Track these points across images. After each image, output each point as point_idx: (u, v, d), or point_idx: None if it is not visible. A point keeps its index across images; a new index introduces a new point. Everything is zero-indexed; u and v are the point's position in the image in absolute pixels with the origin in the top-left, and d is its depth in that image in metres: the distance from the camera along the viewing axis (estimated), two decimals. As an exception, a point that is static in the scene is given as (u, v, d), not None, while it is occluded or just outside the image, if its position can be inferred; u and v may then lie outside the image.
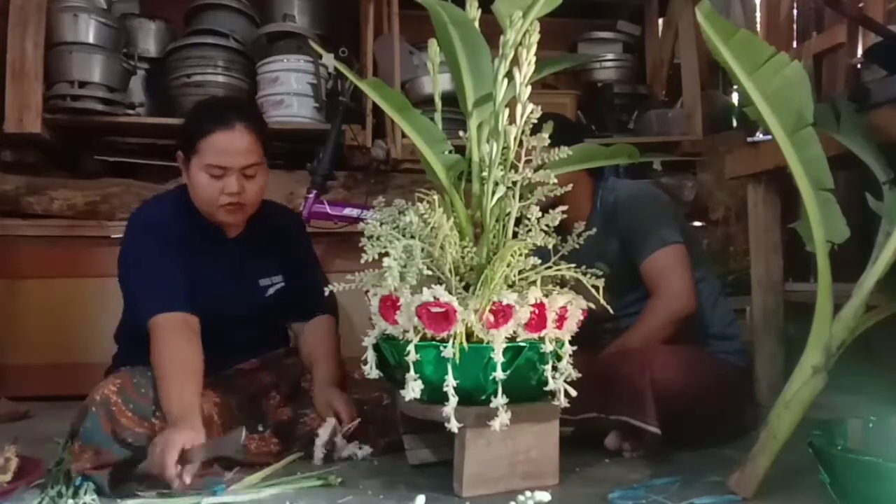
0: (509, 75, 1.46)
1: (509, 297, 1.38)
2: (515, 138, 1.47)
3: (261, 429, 1.75)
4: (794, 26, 3.36)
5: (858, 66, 2.30)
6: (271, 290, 1.93)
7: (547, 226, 1.48)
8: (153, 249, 1.75)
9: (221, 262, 1.86)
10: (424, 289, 1.37)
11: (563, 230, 1.53)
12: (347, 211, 2.74)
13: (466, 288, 1.44)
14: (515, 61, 1.46)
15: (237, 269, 1.88)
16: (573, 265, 1.50)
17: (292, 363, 1.96)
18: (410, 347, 1.37)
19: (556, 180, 1.47)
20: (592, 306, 1.49)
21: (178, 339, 1.65)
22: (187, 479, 1.43)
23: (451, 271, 1.44)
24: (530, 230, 1.46)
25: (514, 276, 1.45)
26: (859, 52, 2.80)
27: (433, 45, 1.56)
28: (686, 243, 1.93)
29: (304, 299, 1.95)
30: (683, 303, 1.87)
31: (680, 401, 1.69)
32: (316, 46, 1.98)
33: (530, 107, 1.47)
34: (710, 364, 1.87)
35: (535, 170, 1.48)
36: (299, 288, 1.96)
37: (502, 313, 1.38)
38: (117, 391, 1.58)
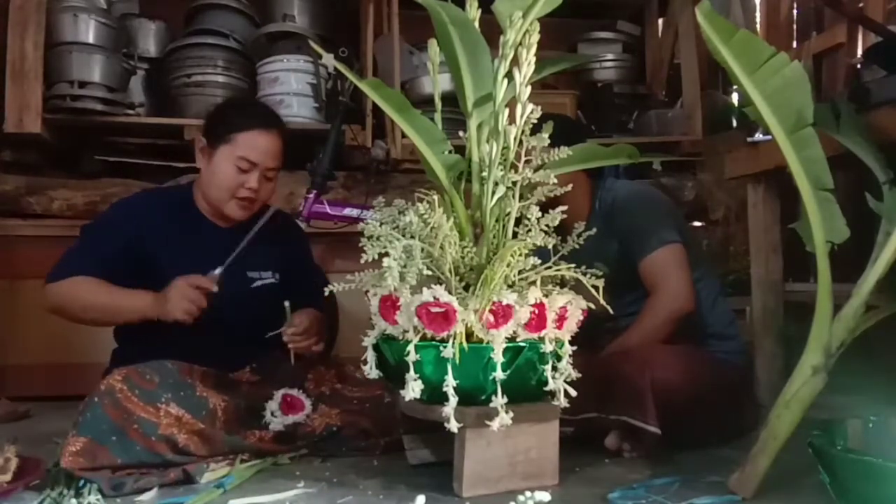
0: (509, 75, 1.46)
1: (509, 298, 1.38)
2: (515, 138, 1.47)
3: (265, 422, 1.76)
4: (794, 26, 3.37)
5: (858, 66, 2.30)
6: (258, 283, 1.95)
7: (547, 226, 1.48)
8: (101, 224, 1.87)
9: (206, 249, 1.88)
10: (424, 289, 1.37)
11: (562, 230, 1.53)
12: (347, 211, 2.75)
13: (466, 288, 1.44)
14: (515, 61, 1.46)
15: (223, 256, 1.88)
16: (573, 265, 1.50)
17: (294, 368, 1.96)
18: (410, 347, 1.37)
19: (555, 180, 1.47)
20: (592, 306, 1.49)
21: (85, 282, 1.79)
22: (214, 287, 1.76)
23: (450, 271, 1.43)
24: (530, 230, 1.46)
25: (514, 276, 1.45)
26: (859, 52, 2.80)
27: (433, 45, 1.55)
28: (684, 243, 1.93)
29: (299, 302, 1.93)
30: (682, 302, 1.87)
31: (680, 400, 1.69)
32: (316, 46, 1.97)
33: (530, 107, 1.47)
34: (710, 364, 1.87)
35: (535, 170, 1.48)
36: (294, 290, 1.95)
37: (502, 313, 1.38)
38: (122, 379, 1.59)
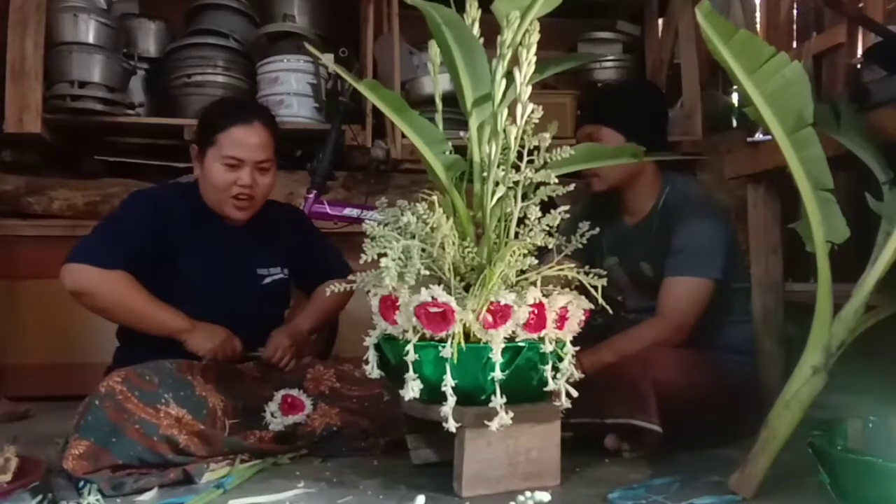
0: (509, 75, 1.46)
1: (507, 298, 1.38)
2: (516, 138, 1.47)
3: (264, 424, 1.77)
4: (794, 26, 3.36)
5: (858, 66, 2.29)
6: (267, 280, 1.98)
7: (548, 225, 1.48)
8: (128, 214, 1.86)
9: (218, 245, 1.91)
10: (422, 289, 1.37)
11: (618, 217, 1.67)
12: (347, 211, 2.75)
13: (467, 288, 1.44)
14: (515, 61, 1.45)
15: (234, 254, 1.93)
16: (573, 265, 1.50)
17: (294, 369, 1.96)
18: (409, 347, 1.37)
19: (556, 180, 1.47)
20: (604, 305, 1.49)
21: (129, 282, 1.77)
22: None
23: (450, 271, 1.43)
24: (531, 230, 1.46)
25: (513, 276, 1.45)
26: (859, 52, 2.80)
27: (433, 45, 1.54)
28: (721, 279, 1.91)
29: (319, 280, 1.99)
30: (673, 335, 1.87)
31: (680, 401, 1.68)
32: (312, 49, 1.95)
33: (530, 107, 1.47)
34: (712, 366, 1.86)
35: (537, 170, 1.48)
36: (311, 272, 2.04)
37: (500, 313, 1.38)
38: (121, 381, 1.59)
